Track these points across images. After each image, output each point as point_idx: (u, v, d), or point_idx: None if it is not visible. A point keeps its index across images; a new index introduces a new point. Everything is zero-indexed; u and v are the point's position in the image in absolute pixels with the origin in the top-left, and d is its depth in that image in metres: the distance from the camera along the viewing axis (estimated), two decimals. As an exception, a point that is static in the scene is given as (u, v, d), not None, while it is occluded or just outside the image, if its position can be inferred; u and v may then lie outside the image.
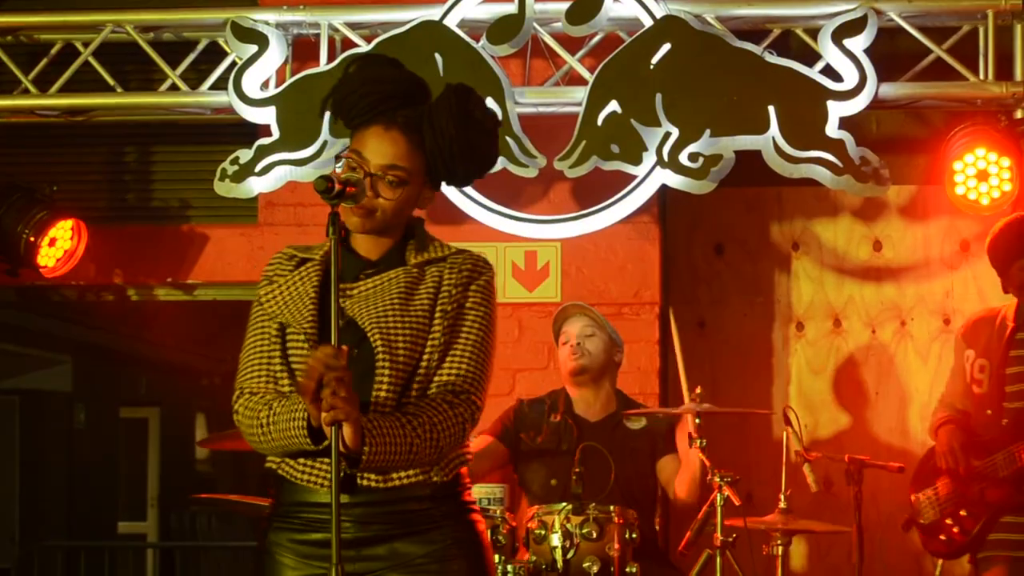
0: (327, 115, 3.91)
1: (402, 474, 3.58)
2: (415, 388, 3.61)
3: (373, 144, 3.64)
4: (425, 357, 3.62)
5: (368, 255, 3.72)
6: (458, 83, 3.72)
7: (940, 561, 6.24)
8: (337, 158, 3.56)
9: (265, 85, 6.93)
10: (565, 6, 6.73)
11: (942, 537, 5.88)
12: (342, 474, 3.48)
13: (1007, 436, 5.72)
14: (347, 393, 3.40)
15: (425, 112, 3.66)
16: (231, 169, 6.91)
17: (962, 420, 5.92)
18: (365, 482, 3.57)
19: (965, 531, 5.78)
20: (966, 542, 5.80)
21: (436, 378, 3.62)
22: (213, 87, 7.07)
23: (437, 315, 3.63)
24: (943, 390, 6.19)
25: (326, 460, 3.55)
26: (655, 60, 6.69)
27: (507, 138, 6.71)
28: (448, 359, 3.63)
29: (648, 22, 6.72)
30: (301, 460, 3.63)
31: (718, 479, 5.39)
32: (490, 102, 6.71)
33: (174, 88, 7.13)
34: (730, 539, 5.37)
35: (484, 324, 3.69)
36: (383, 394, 3.56)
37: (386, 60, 3.76)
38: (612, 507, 5.46)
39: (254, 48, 6.90)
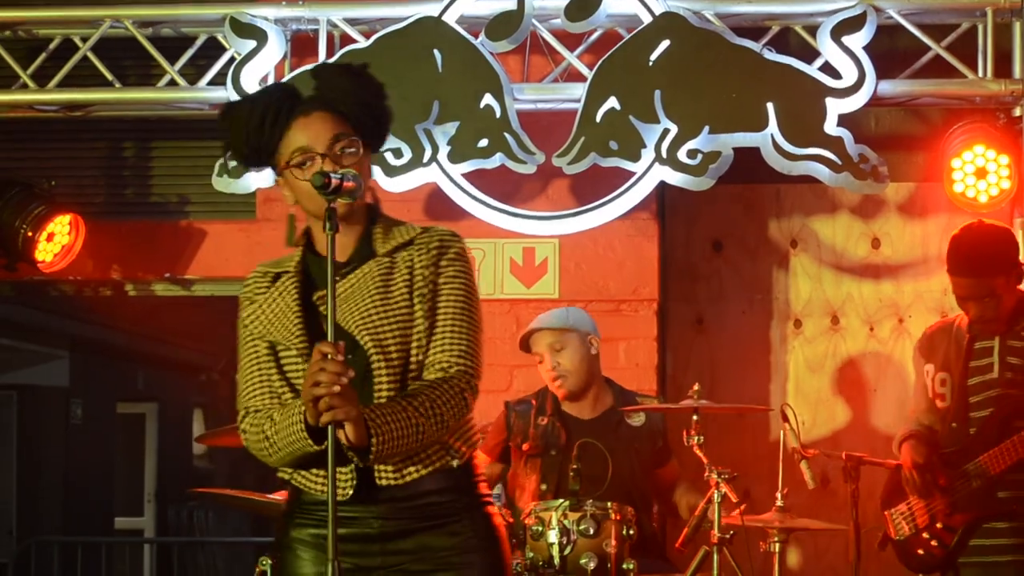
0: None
1: (418, 466, 3.61)
2: (410, 380, 3.64)
3: (305, 134, 3.65)
4: (415, 348, 3.64)
5: (338, 255, 3.67)
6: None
7: None
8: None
9: (264, 81, 6.93)
10: (564, 2, 6.73)
11: (920, 552, 5.80)
12: (352, 478, 3.58)
13: (977, 446, 5.67)
14: (344, 390, 3.41)
15: (320, 88, 3.70)
16: (229, 164, 6.91)
17: (925, 435, 5.84)
18: (384, 482, 3.60)
19: (944, 544, 5.72)
20: (945, 555, 5.74)
21: (427, 360, 3.64)
22: (212, 82, 7.08)
23: (416, 301, 3.65)
24: (908, 406, 6.16)
25: (342, 470, 3.57)
26: (654, 57, 6.69)
27: (506, 134, 6.72)
28: (435, 340, 3.65)
29: (647, 19, 6.72)
30: (315, 472, 3.65)
31: (716, 476, 5.39)
32: (490, 98, 6.74)
33: (173, 83, 7.13)
34: (727, 536, 5.37)
35: (462, 294, 3.70)
36: (384, 396, 3.59)
37: (248, 96, 3.82)
38: (609, 503, 5.46)
39: (253, 43, 6.90)
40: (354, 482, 3.59)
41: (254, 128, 3.66)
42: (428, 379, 3.62)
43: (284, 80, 3.88)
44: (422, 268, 3.67)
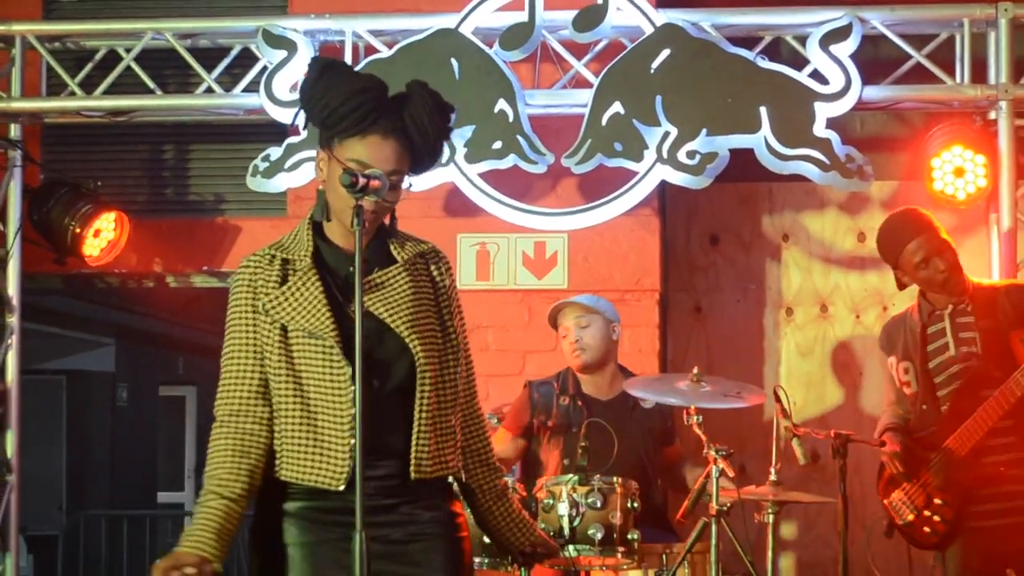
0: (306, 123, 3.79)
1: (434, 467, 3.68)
2: (446, 384, 3.68)
3: (375, 153, 3.59)
4: (451, 355, 3.70)
5: (348, 247, 3.64)
6: (418, 80, 3.70)
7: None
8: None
9: (294, 88, 6.94)
10: (572, 14, 6.75)
11: (926, 530, 5.76)
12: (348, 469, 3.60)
13: (951, 420, 5.65)
14: None
15: (407, 114, 3.64)
16: (262, 166, 6.93)
17: (899, 425, 5.81)
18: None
19: (946, 519, 5.69)
20: (949, 528, 5.70)
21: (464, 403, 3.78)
22: (246, 90, 7.10)
23: (444, 314, 3.70)
24: (883, 400, 6.14)
25: (341, 460, 3.61)
26: (655, 65, 6.70)
27: (518, 137, 6.73)
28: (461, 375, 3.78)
29: (649, 29, 6.73)
30: (312, 463, 3.66)
31: (714, 453, 5.39)
32: (504, 104, 6.74)
33: (209, 91, 7.15)
34: (725, 508, 5.37)
35: (463, 323, 3.80)
36: (427, 393, 3.61)
37: (347, 69, 3.72)
38: (615, 478, 5.46)
39: (284, 53, 6.92)
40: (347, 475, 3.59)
41: (334, 109, 3.60)
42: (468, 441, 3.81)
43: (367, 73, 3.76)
44: (442, 283, 3.72)
